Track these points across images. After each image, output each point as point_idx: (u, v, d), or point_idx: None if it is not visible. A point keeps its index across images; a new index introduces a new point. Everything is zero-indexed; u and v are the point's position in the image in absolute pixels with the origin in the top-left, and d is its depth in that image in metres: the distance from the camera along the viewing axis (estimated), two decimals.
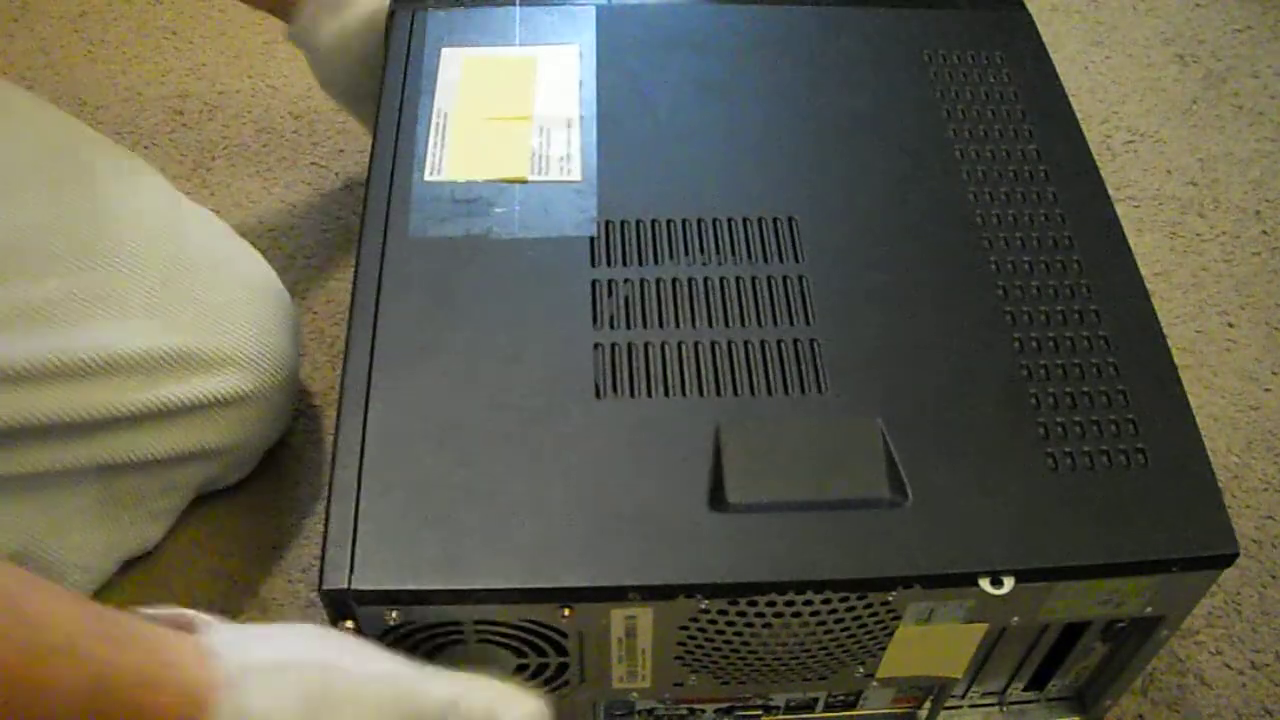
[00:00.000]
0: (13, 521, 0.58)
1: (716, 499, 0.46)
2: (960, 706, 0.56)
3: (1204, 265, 0.81)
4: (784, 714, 0.55)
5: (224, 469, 0.65)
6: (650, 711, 0.54)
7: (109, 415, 0.57)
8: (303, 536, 0.67)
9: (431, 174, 0.57)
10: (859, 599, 0.46)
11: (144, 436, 0.59)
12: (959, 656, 0.51)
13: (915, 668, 0.51)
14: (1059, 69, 0.64)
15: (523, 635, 0.47)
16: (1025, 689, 0.56)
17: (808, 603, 0.46)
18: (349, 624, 0.46)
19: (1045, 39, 0.66)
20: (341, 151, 0.86)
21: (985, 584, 0.45)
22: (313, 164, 0.85)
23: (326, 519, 0.46)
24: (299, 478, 0.69)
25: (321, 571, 0.44)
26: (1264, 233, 0.83)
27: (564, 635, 0.47)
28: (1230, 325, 0.78)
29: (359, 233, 0.55)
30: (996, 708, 0.57)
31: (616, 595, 0.45)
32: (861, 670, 0.51)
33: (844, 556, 0.45)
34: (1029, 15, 0.66)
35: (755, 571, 0.45)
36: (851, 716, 0.56)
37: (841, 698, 0.54)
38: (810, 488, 0.47)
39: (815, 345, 0.51)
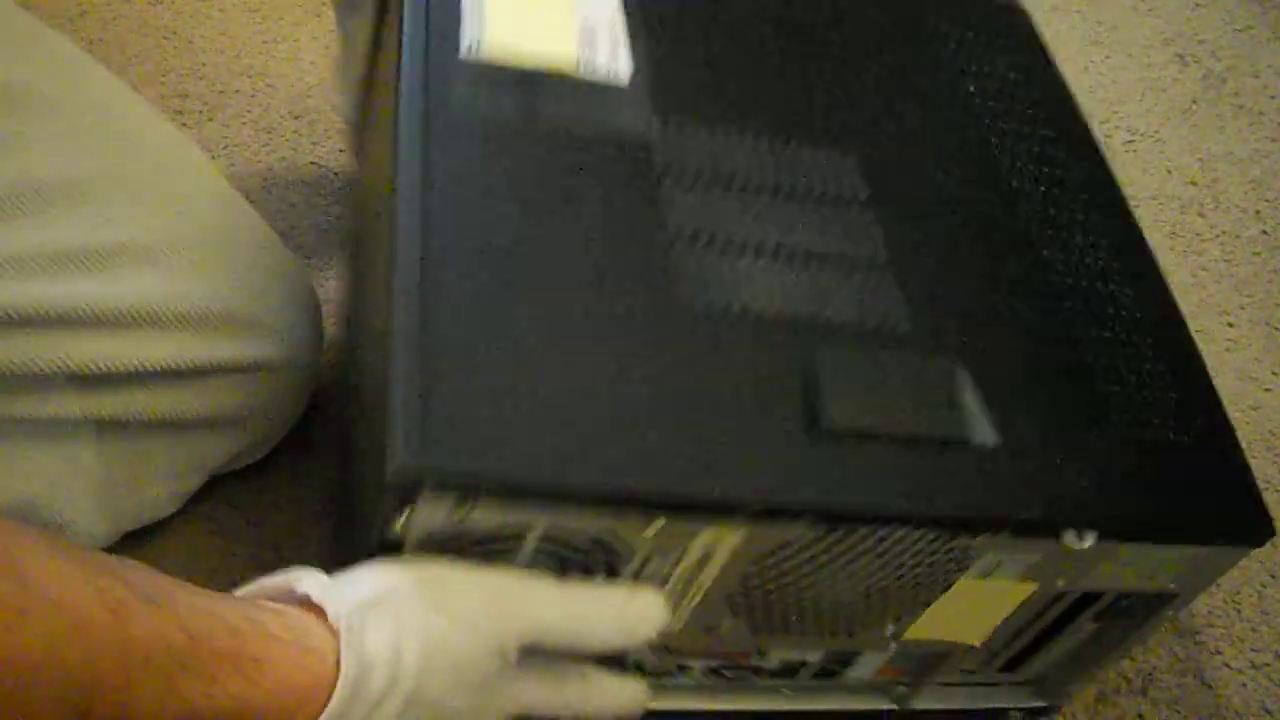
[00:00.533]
0: (21, 469, 0.57)
1: (814, 423, 0.44)
2: (927, 683, 0.56)
3: (1204, 265, 0.81)
4: (771, 677, 0.54)
5: (241, 444, 0.65)
6: (638, 665, 0.52)
7: (137, 368, 0.57)
8: (302, 537, 0.67)
9: (470, 52, 0.51)
10: (947, 539, 0.45)
11: (167, 395, 0.59)
12: (989, 622, 0.51)
13: (943, 630, 0.51)
14: (1059, 69, 0.64)
15: (584, 553, 0.43)
16: (1001, 669, 0.56)
17: (900, 539, 0.44)
18: (400, 520, 0.40)
19: (1045, 38, 0.66)
20: (341, 151, 0.86)
21: (1069, 536, 0.45)
22: (313, 164, 0.85)
23: (389, 402, 0.40)
24: (298, 476, 0.69)
25: (385, 455, 0.39)
26: (1264, 233, 0.83)
27: (628, 557, 0.44)
28: (1230, 325, 0.78)
29: (392, 119, 0.49)
30: (963, 687, 0.57)
31: (722, 510, 0.42)
32: (892, 629, 0.50)
33: (942, 494, 0.44)
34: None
35: (860, 500, 0.43)
36: (833, 684, 0.55)
37: (833, 663, 0.54)
38: (907, 421, 0.46)
39: (895, 274, 0.50)
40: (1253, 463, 0.71)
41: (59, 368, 0.55)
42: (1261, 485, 0.70)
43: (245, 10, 0.96)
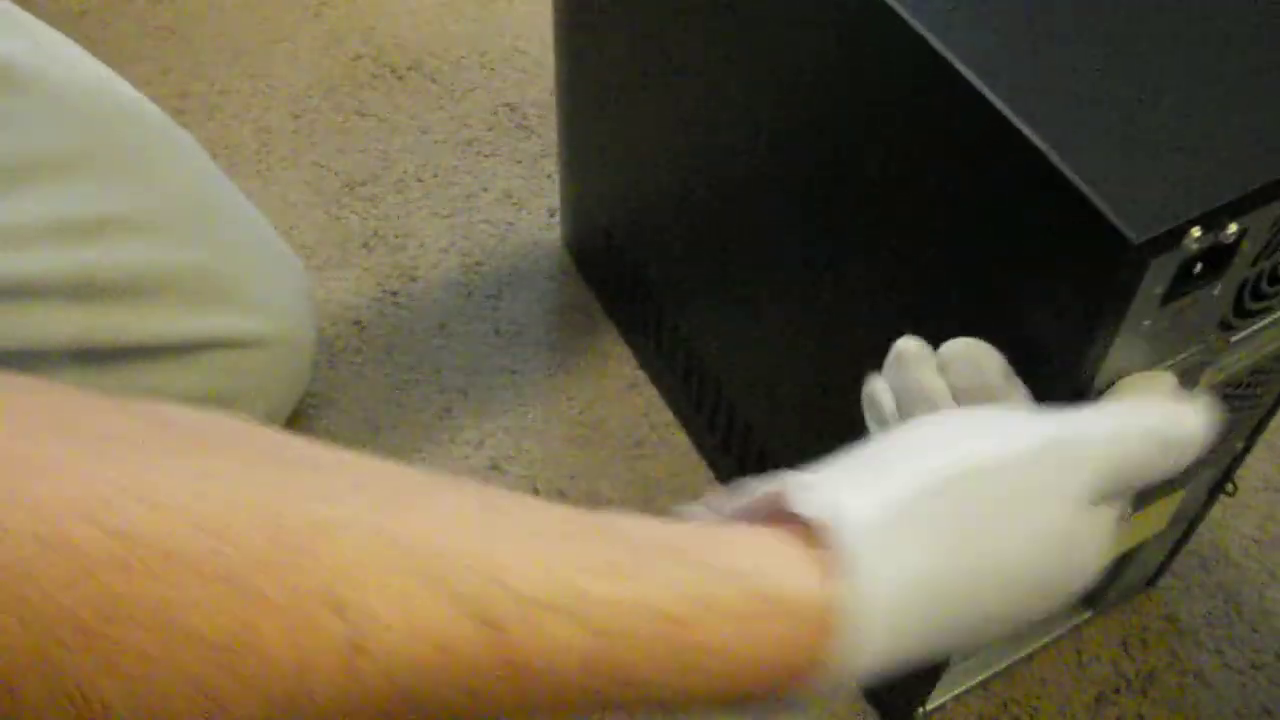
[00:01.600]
0: None
1: None
2: None
3: None
4: None
5: None
6: None
7: (134, 343, 0.58)
8: None
9: None
10: None
11: (161, 371, 0.60)
12: None
13: None
14: None
15: None
16: None
17: None
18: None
19: None
20: (341, 152, 0.86)
21: None
22: (313, 164, 0.85)
23: (1076, 194, 0.37)
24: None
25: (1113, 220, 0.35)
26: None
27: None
28: None
29: None
30: None
31: None
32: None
33: None
34: None
35: None
36: None
37: None
38: None
39: None
40: (1253, 463, 0.71)
41: (56, 342, 0.55)
42: (1261, 486, 0.70)
43: (245, 10, 0.96)
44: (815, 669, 0.29)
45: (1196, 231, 0.36)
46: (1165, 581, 0.66)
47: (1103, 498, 0.34)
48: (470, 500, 0.28)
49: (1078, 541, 0.34)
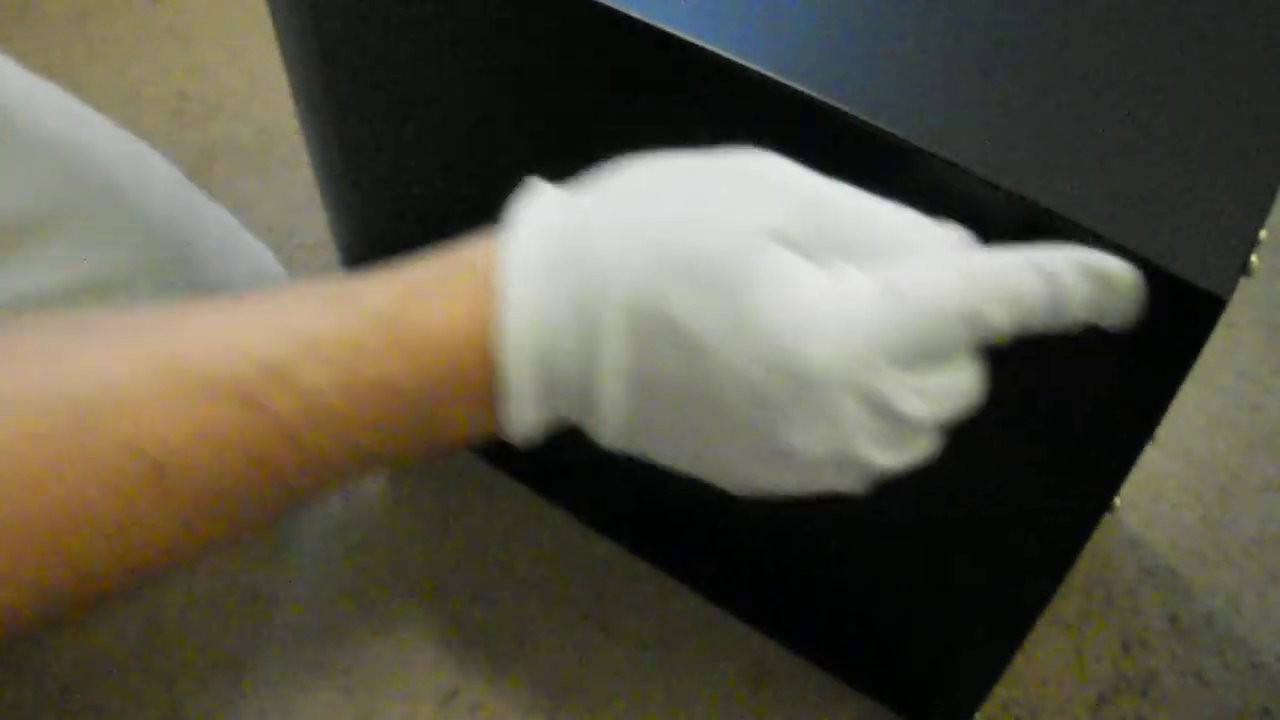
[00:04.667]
0: None
1: None
2: None
3: None
4: None
5: None
6: None
7: None
8: (302, 535, 0.67)
9: None
10: None
11: None
12: None
13: None
14: None
15: None
16: None
17: None
18: None
19: None
20: None
21: None
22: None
23: None
24: None
25: None
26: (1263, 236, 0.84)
27: None
28: (1230, 325, 0.78)
29: None
30: None
31: None
32: None
33: None
34: None
35: None
36: None
37: None
38: None
39: None
40: (1253, 463, 0.71)
41: None
42: (1261, 486, 0.70)
43: (245, 10, 0.96)
44: (477, 398, 0.32)
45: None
46: (1166, 581, 0.66)
47: (789, 246, 0.31)
48: (208, 308, 0.32)
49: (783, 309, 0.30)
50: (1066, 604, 0.65)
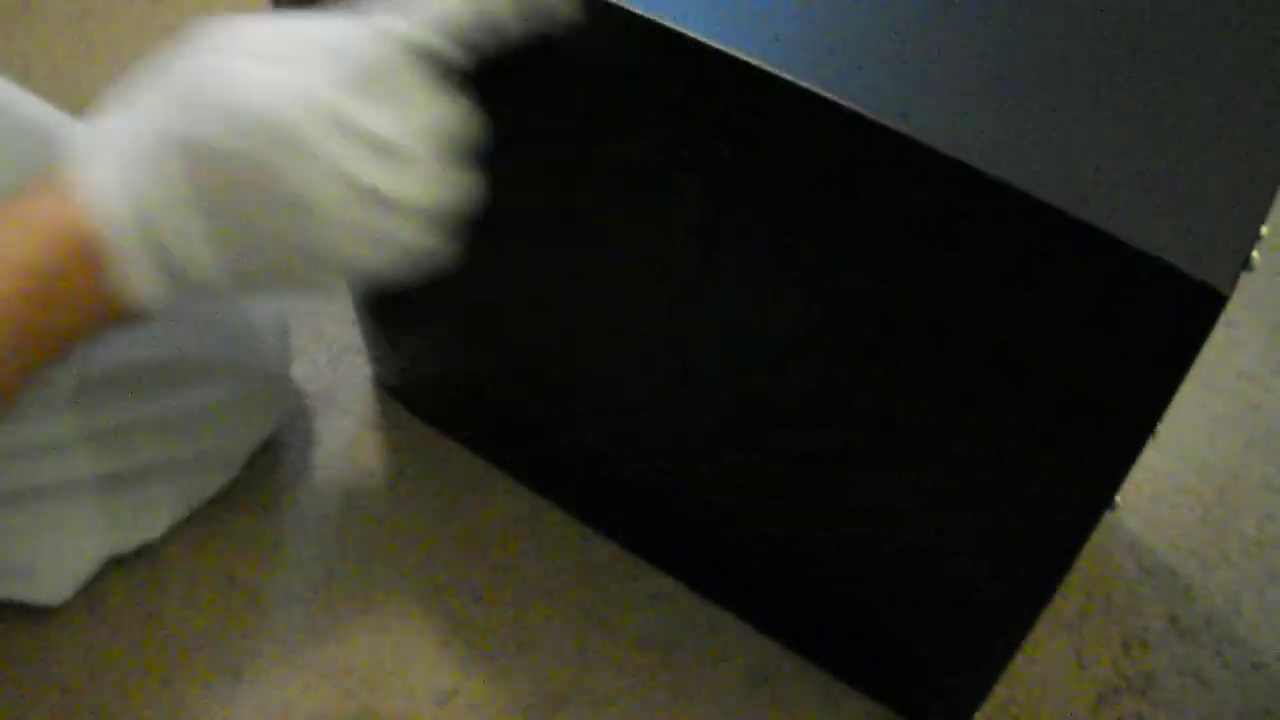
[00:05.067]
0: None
1: None
2: None
3: None
4: None
5: (202, 478, 0.65)
6: None
7: (110, 426, 0.57)
8: (302, 535, 0.66)
9: None
10: None
11: (126, 446, 0.59)
12: None
13: None
14: None
15: None
16: None
17: None
18: None
19: None
20: None
21: None
22: None
23: None
24: (298, 476, 0.69)
25: None
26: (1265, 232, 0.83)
27: None
28: (1230, 325, 0.78)
29: None
30: None
31: None
32: None
33: None
34: None
35: None
36: None
37: None
38: None
39: None
40: (1253, 463, 0.71)
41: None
42: (1261, 486, 0.70)
43: (245, 11, 0.96)
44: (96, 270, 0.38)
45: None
46: (1166, 581, 0.66)
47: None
48: None
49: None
50: (1066, 604, 0.65)
